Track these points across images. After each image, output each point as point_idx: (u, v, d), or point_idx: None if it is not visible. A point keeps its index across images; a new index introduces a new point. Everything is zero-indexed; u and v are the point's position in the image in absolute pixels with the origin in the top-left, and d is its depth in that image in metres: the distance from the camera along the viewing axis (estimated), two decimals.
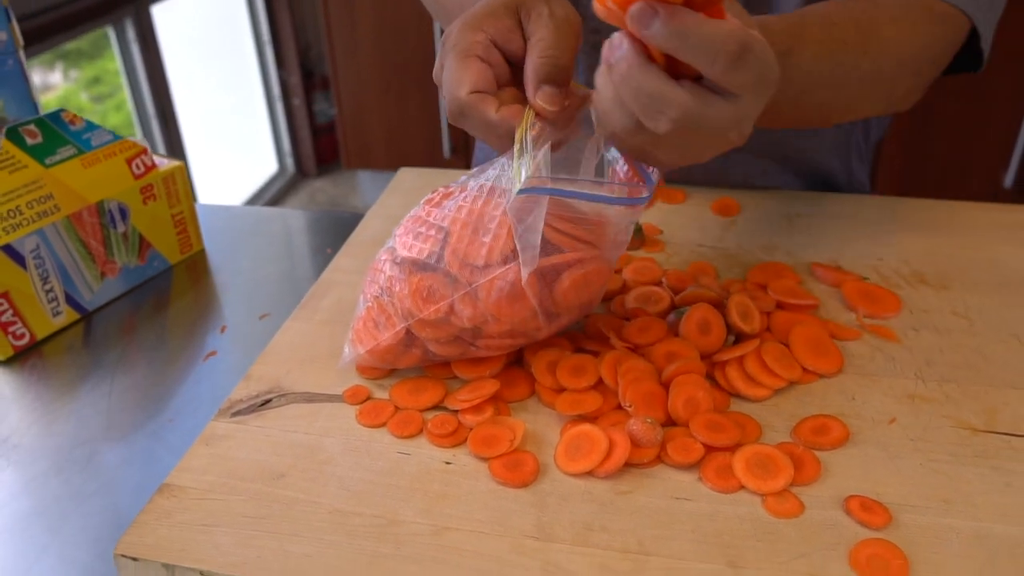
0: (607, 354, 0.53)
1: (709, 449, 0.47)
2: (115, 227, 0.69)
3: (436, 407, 0.52)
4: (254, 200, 2.54)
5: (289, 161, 2.86)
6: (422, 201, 0.53)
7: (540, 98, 0.48)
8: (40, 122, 0.65)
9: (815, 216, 0.72)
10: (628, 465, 0.47)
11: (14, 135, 0.63)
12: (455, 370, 0.53)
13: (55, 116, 0.66)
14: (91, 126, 0.68)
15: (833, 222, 0.72)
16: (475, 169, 0.52)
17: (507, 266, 0.48)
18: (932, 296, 0.62)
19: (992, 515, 0.44)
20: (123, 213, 0.69)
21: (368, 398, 0.53)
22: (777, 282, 0.61)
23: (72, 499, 0.52)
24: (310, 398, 0.53)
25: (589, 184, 0.49)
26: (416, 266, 0.50)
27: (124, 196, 0.69)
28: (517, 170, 0.47)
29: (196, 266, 0.76)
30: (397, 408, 0.51)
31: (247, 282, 0.74)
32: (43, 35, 1.71)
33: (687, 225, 0.72)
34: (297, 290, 0.70)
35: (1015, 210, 0.73)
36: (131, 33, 1.87)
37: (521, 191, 0.47)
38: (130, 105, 1.97)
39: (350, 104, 2.47)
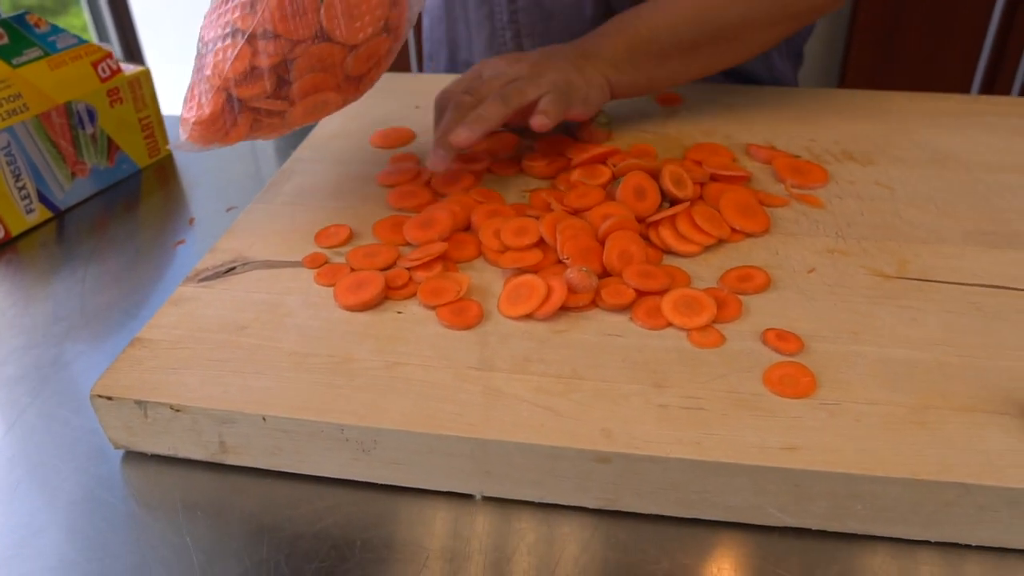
0: (548, 215, 0.56)
1: (640, 294, 0.51)
2: (83, 128, 0.72)
3: (387, 267, 0.55)
4: None
5: None
6: None
7: None
8: (5, 23, 0.67)
9: (752, 105, 0.76)
10: (565, 309, 0.51)
11: None
12: (406, 235, 0.57)
13: (20, 19, 0.68)
14: (56, 29, 0.70)
15: (770, 110, 0.76)
16: None
17: None
18: (858, 170, 0.66)
19: (896, 342, 0.49)
20: (91, 115, 0.72)
21: (326, 262, 0.56)
22: (712, 158, 0.65)
23: (51, 366, 0.55)
24: (271, 265, 0.57)
25: None
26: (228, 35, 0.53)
27: (91, 98, 0.72)
28: None
29: (164, 169, 0.79)
30: (352, 270, 0.55)
31: (214, 181, 0.77)
32: None
33: (631, 115, 0.75)
34: (263, 187, 0.73)
35: (943, 98, 0.77)
36: None
37: None
38: (86, 14, 1.97)
39: None
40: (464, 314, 0.50)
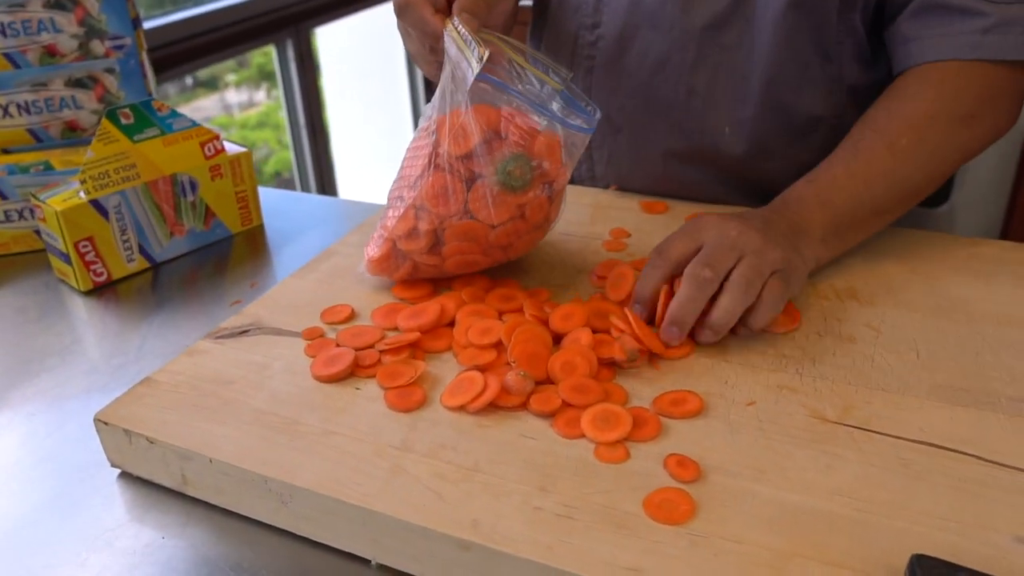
0: (512, 320, 0.62)
1: (567, 404, 0.56)
2: (185, 196, 0.85)
3: (367, 347, 0.63)
4: None
5: None
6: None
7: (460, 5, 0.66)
8: (134, 107, 0.82)
9: None
10: (497, 407, 0.56)
11: (112, 116, 0.81)
12: (397, 321, 0.65)
13: (146, 104, 0.83)
14: (175, 114, 0.85)
15: None
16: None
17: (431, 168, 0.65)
18: (855, 309, 0.67)
19: (798, 487, 0.49)
20: (193, 186, 0.86)
21: (320, 336, 0.65)
22: None
23: (116, 379, 0.67)
24: (278, 332, 0.66)
25: (538, 95, 0.64)
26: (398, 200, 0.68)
27: (195, 171, 0.85)
28: (468, 55, 0.62)
29: (254, 237, 0.92)
30: (338, 345, 0.63)
31: (295, 253, 0.88)
32: (215, 49, 1.98)
33: (655, 232, 0.79)
34: None
35: (981, 243, 0.75)
36: (290, 52, 2.13)
37: (479, 76, 0.61)
38: (284, 119, 2.24)
39: None
40: (407, 398, 0.57)
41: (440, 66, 0.66)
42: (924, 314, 0.66)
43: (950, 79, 0.72)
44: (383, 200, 0.71)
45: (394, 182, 0.69)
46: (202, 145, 0.86)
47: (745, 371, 0.60)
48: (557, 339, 0.62)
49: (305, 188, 2.34)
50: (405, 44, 0.75)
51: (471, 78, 0.61)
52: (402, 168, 0.68)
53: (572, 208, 0.85)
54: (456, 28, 0.63)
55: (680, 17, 0.79)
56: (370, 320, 0.67)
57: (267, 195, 0.99)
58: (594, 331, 0.62)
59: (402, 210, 0.66)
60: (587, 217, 0.83)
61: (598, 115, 0.65)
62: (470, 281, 0.70)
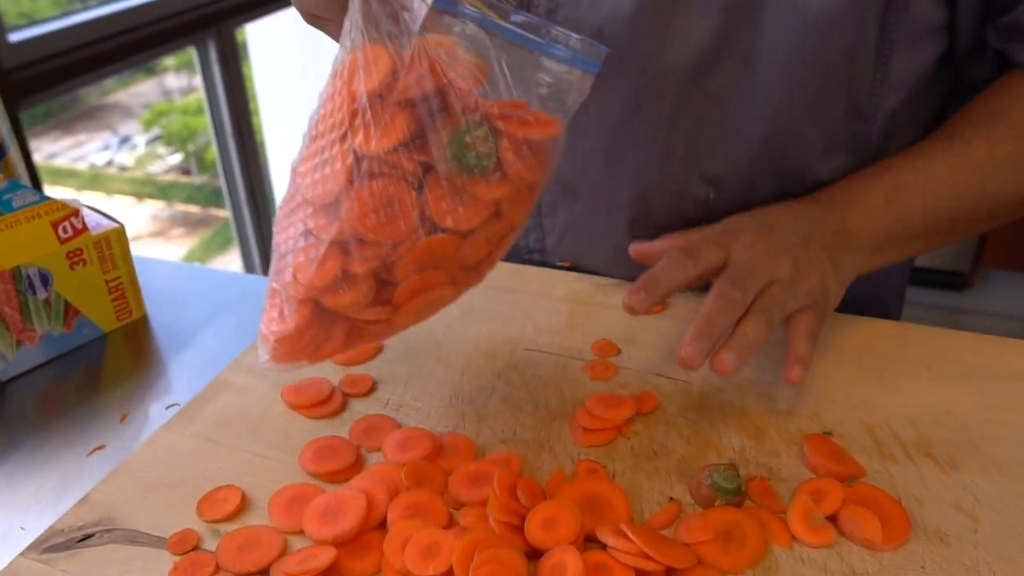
0: (471, 533, 0.43)
1: None
2: (34, 293, 0.65)
3: (261, 572, 0.43)
4: None
5: None
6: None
7: None
8: None
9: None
10: None
11: None
12: (303, 524, 0.45)
13: None
14: (14, 186, 0.63)
15: (835, 354, 0.59)
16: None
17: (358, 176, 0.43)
18: (933, 477, 0.49)
19: None
20: (44, 279, 0.65)
21: (195, 547, 0.45)
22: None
23: None
24: (133, 538, 0.46)
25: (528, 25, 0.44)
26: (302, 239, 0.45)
27: (46, 260, 0.65)
28: None
29: (136, 333, 0.71)
30: (218, 568, 0.43)
31: (199, 348, 0.68)
32: (132, 51, 1.74)
33: (650, 344, 0.61)
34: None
35: None
36: (213, 54, 1.89)
37: (437, 2, 0.41)
38: (209, 124, 2.00)
39: None
40: None
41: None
42: None
43: None
44: None
45: (282, 206, 0.47)
46: (55, 225, 0.65)
47: None
48: (535, 553, 0.43)
49: (235, 203, 2.11)
50: (296, 6, 0.53)
51: (423, 6, 0.41)
52: (294, 182, 0.46)
53: (541, 305, 0.66)
54: None
55: (654, 56, 0.60)
56: (267, 515, 0.47)
57: (155, 273, 0.78)
58: (586, 539, 0.44)
59: (319, 251, 0.44)
60: (562, 321, 0.64)
61: (603, 51, 0.46)
62: (408, 441, 0.51)
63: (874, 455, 0.51)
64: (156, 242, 3.21)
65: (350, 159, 0.42)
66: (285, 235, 0.46)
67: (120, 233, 0.69)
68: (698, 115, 0.62)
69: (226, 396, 0.57)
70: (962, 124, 0.61)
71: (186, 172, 3.33)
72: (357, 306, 0.45)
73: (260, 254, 2.30)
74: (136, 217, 3.19)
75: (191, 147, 3.21)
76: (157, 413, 0.62)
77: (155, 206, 3.33)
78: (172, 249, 3.21)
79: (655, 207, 0.66)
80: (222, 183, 2.11)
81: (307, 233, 0.44)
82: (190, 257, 3.13)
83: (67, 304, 0.67)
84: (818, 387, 0.56)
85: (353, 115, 0.42)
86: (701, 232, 0.61)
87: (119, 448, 0.58)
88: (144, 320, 0.73)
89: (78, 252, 0.66)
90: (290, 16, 2.21)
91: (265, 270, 2.36)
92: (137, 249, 0.74)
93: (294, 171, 0.46)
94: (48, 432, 0.60)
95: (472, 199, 0.43)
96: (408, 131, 0.42)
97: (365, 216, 0.42)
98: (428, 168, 0.43)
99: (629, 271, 0.69)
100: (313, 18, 0.53)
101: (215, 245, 3.14)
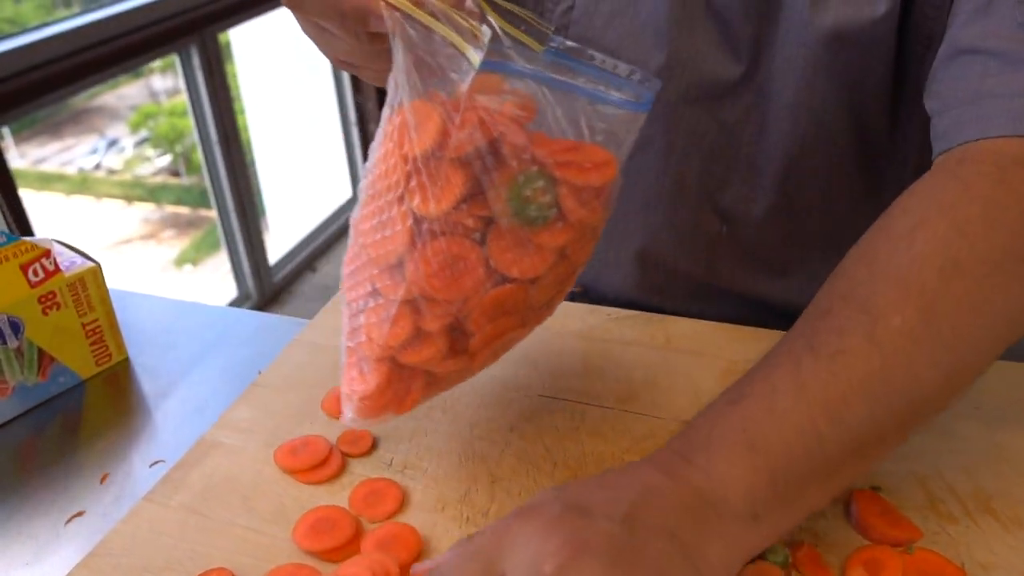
0: None
1: None
2: (4, 342, 0.59)
3: None
4: (326, 225, 2.49)
5: None
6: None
7: None
8: None
9: None
10: None
11: None
12: None
13: None
14: None
15: None
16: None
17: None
18: (999, 539, 0.44)
19: None
20: (15, 327, 0.60)
21: None
22: None
23: None
24: None
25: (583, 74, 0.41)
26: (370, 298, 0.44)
27: (16, 307, 0.59)
28: (458, 43, 0.38)
29: (117, 380, 0.66)
30: None
31: (186, 393, 0.63)
32: (113, 61, 1.69)
33: (676, 387, 0.56)
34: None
35: None
36: (196, 61, 1.83)
37: (483, 65, 0.38)
38: (194, 131, 1.95)
39: None
40: None
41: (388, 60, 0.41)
42: None
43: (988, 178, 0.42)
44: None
45: (348, 262, 0.46)
46: (24, 268, 0.60)
47: None
48: None
49: (222, 208, 2.05)
50: (324, 52, 0.48)
51: (471, 70, 0.38)
52: (356, 240, 0.45)
53: (553, 346, 0.61)
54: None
55: (665, 84, 0.56)
56: None
57: (136, 311, 0.73)
58: None
59: (390, 311, 0.43)
60: (577, 362, 0.59)
61: (657, 84, 0.43)
62: (392, 537, 0.46)
63: (929, 513, 0.46)
64: (147, 245, 3.17)
65: (410, 221, 0.41)
66: (354, 293, 0.45)
67: (96, 272, 0.64)
68: (711, 147, 0.58)
69: (214, 458, 0.52)
70: (845, 281, 0.43)
71: (175, 174, 3.28)
72: (434, 361, 0.45)
73: (248, 257, 2.25)
74: (126, 220, 3.15)
75: (179, 148, 3.16)
76: (141, 471, 0.57)
77: (145, 209, 3.28)
78: (163, 251, 3.16)
79: (665, 240, 0.62)
80: (208, 187, 2.05)
81: (375, 293, 0.44)
82: (182, 258, 3.07)
83: (41, 351, 0.62)
84: None
85: (408, 177, 0.40)
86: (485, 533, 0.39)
87: (99, 515, 0.54)
88: (125, 363, 0.68)
89: (51, 296, 0.61)
90: (274, 18, 2.15)
91: (255, 273, 2.31)
92: (129, 251, 0.69)
93: (355, 228, 0.45)
94: (24, 494, 0.56)
95: (536, 248, 0.42)
96: (465, 188, 0.40)
97: (431, 276, 0.41)
98: (489, 221, 0.41)
99: (639, 302, 0.66)
100: (344, 64, 0.48)
101: (206, 246, 3.09)
